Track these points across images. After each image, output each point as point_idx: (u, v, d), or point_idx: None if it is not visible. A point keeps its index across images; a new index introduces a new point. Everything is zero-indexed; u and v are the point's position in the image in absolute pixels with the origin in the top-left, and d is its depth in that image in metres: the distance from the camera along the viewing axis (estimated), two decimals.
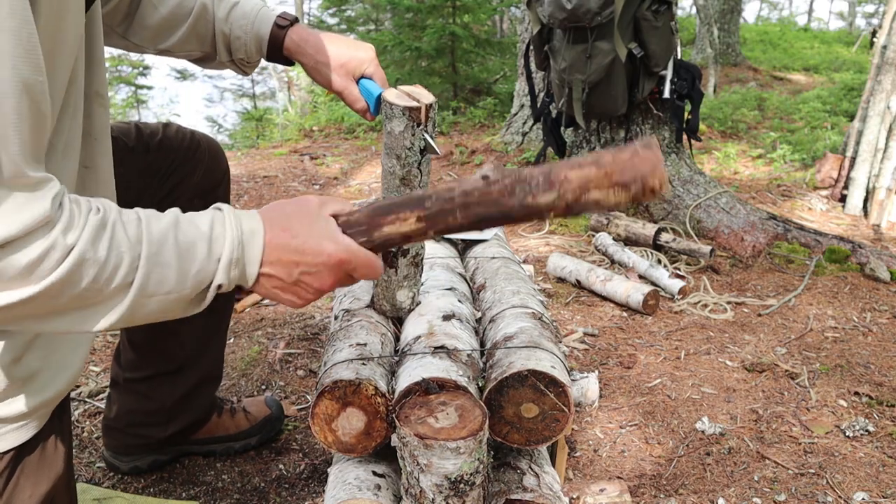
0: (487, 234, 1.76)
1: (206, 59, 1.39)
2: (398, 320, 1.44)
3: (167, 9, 1.31)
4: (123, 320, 0.83)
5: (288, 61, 1.37)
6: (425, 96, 1.19)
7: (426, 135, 1.19)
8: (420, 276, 1.38)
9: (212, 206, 0.93)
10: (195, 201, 1.53)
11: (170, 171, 1.48)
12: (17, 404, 0.93)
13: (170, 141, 1.49)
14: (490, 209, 0.89)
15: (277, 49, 1.34)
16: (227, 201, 1.64)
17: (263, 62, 1.40)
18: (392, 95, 1.20)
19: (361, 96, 1.31)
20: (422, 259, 1.35)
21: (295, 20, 1.35)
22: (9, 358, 0.92)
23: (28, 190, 0.74)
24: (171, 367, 1.65)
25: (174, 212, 0.88)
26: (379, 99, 1.26)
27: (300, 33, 1.33)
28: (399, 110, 1.17)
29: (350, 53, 1.32)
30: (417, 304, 1.40)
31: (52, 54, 0.86)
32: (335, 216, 0.95)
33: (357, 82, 1.32)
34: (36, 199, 0.74)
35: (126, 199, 1.25)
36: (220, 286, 0.89)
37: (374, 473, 1.15)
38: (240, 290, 0.97)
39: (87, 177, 1.10)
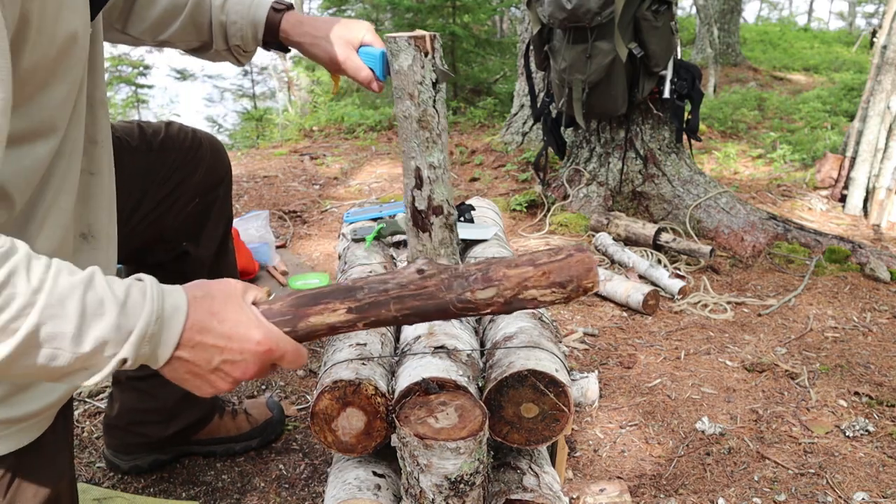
0: (487, 233, 1.76)
1: (202, 49, 1.39)
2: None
3: (165, 0, 1.32)
4: (5, 365, 0.76)
5: (283, 47, 1.36)
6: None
7: (436, 61, 1.14)
8: (457, 243, 1.30)
9: (132, 276, 0.87)
10: (196, 200, 1.53)
11: (172, 170, 1.48)
12: (22, 407, 0.93)
13: (172, 140, 1.49)
14: (427, 302, 0.89)
15: (273, 33, 1.33)
16: (228, 200, 1.64)
17: (262, 60, 1.41)
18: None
19: (364, 64, 1.29)
20: (455, 224, 1.28)
21: (290, 6, 1.35)
22: None
23: None
24: None
25: (92, 269, 0.82)
26: (384, 57, 1.23)
27: (296, 16, 1.33)
28: (404, 42, 1.13)
29: (347, 26, 1.31)
30: None
31: (57, 65, 0.87)
32: (255, 304, 0.92)
33: (357, 52, 1.30)
34: None
35: (128, 199, 1.26)
36: (124, 360, 0.82)
37: (374, 473, 1.15)
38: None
39: (93, 183, 1.10)
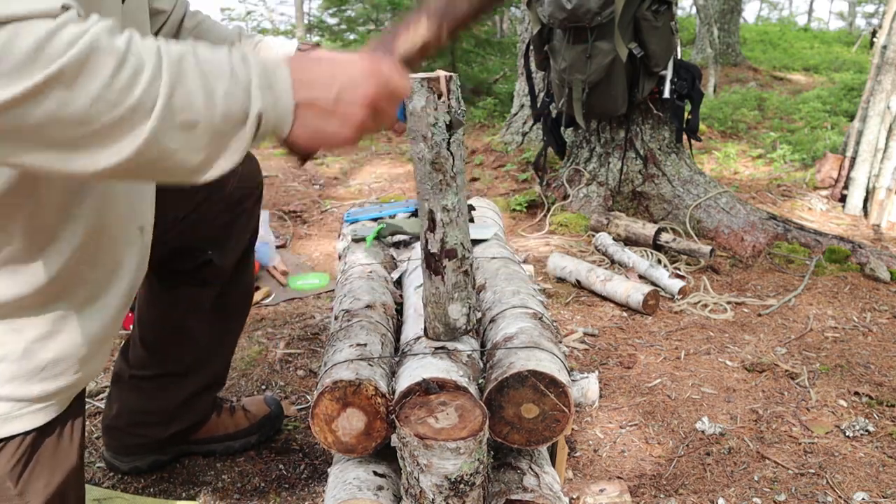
0: (487, 233, 1.76)
1: None
2: (399, 321, 1.44)
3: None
4: (149, 152, 0.71)
5: None
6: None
7: (451, 104, 1.12)
8: (473, 288, 1.26)
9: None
10: (226, 211, 1.52)
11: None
12: (38, 386, 0.93)
13: None
14: None
15: None
16: (257, 212, 1.63)
17: None
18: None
19: None
20: (471, 266, 1.24)
21: (317, 45, 1.37)
22: (36, 338, 0.92)
23: None
24: (180, 368, 1.65)
25: (188, 41, 0.78)
26: (403, 103, 1.24)
27: (321, 54, 1.35)
28: (417, 83, 1.13)
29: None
30: (474, 326, 1.27)
31: None
32: None
33: None
34: None
35: (159, 206, 1.25)
36: (259, 115, 0.77)
37: (375, 473, 1.15)
38: (288, 149, 0.88)
39: (131, 190, 1.10)
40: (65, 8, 0.67)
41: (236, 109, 0.76)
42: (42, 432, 0.96)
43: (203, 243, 1.53)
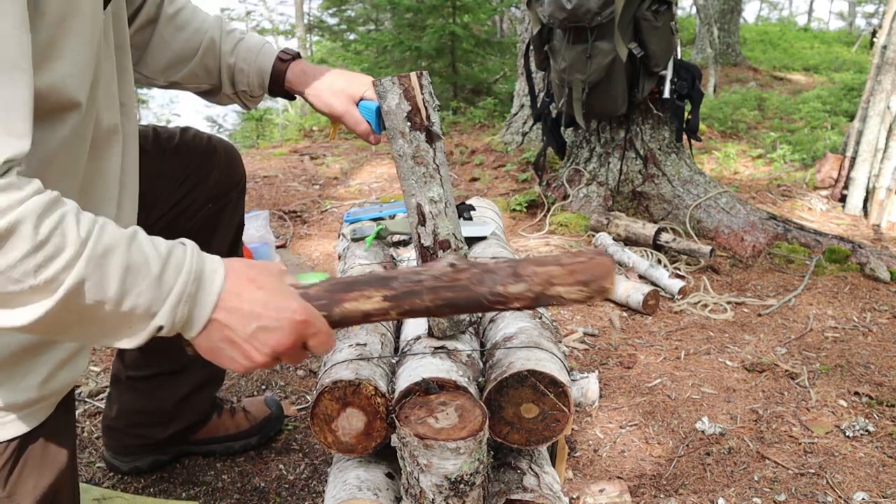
0: (486, 230, 1.76)
1: (212, 92, 1.43)
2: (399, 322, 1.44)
3: (178, 44, 1.35)
4: (44, 322, 0.75)
5: (289, 95, 1.40)
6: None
7: (425, 97, 1.13)
8: None
9: (176, 240, 0.87)
10: (209, 205, 1.54)
11: (185, 174, 1.49)
12: (23, 393, 0.93)
13: (186, 145, 1.51)
14: (459, 294, 0.92)
15: (279, 82, 1.37)
16: (241, 205, 1.66)
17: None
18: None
19: (363, 118, 1.33)
20: (466, 256, 1.24)
21: (297, 55, 1.39)
22: (17, 346, 0.92)
23: None
24: (175, 366, 1.65)
25: (135, 228, 0.83)
26: (379, 111, 1.26)
27: (301, 66, 1.38)
28: (388, 82, 1.14)
29: (349, 79, 1.35)
30: (479, 318, 1.27)
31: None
32: (293, 286, 0.93)
33: (357, 106, 1.34)
34: None
35: (141, 201, 1.26)
36: (160, 328, 0.82)
37: (374, 473, 1.15)
38: (181, 342, 0.91)
39: (118, 194, 1.10)
40: (7, 163, 0.70)
41: (143, 312, 0.80)
42: (28, 437, 0.95)
43: (189, 236, 1.53)
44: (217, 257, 0.89)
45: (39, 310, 0.74)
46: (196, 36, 1.35)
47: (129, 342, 0.83)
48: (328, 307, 0.92)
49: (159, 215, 1.45)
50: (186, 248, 0.85)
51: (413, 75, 1.13)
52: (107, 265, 0.76)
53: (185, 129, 1.54)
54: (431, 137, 1.14)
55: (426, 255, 1.20)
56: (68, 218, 0.74)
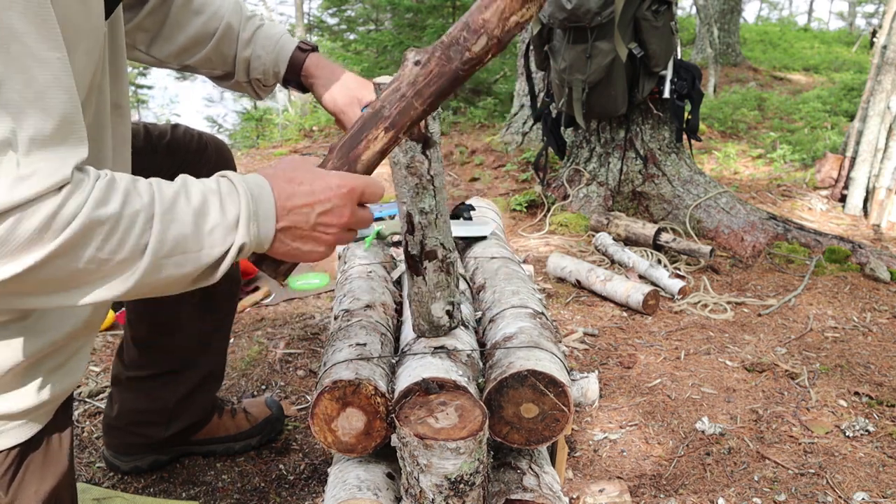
0: (485, 230, 1.76)
1: (225, 78, 1.44)
2: (399, 321, 1.44)
3: (194, 28, 1.35)
4: (141, 285, 0.81)
5: (301, 86, 1.42)
6: None
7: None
8: (457, 285, 1.27)
9: (217, 174, 0.92)
10: None
11: (176, 172, 1.49)
12: (22, 400, 0.93)
13: (177, 142, 1.51)
14: (440, 82, 0.94)
15: (296, 71, 1.39)
16: None
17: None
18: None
19: None
20: (452, 265, 1.24)
21: (315, 48, 1.41)
22: (16, 355, 0.92)
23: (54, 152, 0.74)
24: (174, 366, 1.65)
25: (182, 176, 0.88)
26: None
27: (319, 58, 1.40)
28: (384, 86, 1.14)
29: (361, 83, 1.38)
30: (459, 325, 1.28)
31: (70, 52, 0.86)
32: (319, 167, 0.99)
33: (361, 109, 1.36)
34: (58, 162, 0.74)
35: None
36: (241, 246, 0.87)
37: (374, 473, 1.15)
38: (259, 260, 0.96)
39: None
40: (78, 169, 0.76)
41: (220, 244, 0.86)
42: (29, 444, 0.96)
43: None
44: (253, 174, 0.94)
45: (135, 274, 0.80)
46: (213, 20, 1.35)
47: (212, 276, 0.88)
48: (353, 167, 0.97)
49: None
50: (230, 177, 0.91)
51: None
52: (177, 215, 0.82)
53: (175, 126, 1.54)
54: (428, 145, 1.14)
55: (412, 262, 1.20)
56: (130, 189, 0.80)
